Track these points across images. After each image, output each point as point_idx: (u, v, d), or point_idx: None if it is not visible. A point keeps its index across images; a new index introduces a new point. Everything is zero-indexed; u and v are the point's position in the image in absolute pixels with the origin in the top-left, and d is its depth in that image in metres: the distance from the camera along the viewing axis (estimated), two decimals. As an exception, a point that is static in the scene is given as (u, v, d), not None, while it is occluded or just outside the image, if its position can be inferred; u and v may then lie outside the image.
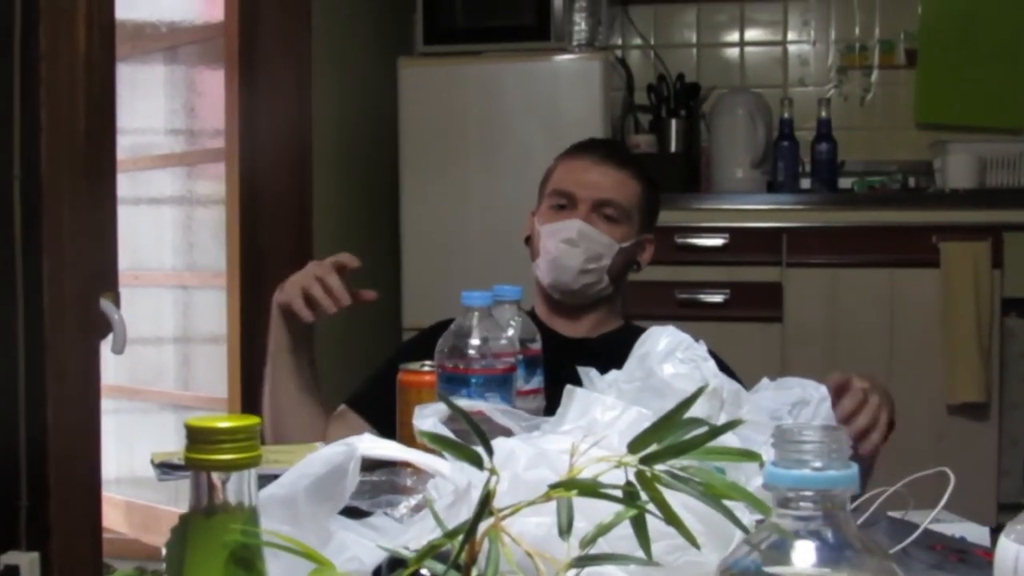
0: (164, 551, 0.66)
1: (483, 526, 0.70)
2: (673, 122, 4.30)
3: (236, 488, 0.66)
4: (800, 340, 3.78)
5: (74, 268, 2.24)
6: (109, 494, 3.37)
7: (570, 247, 2.16)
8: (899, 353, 3.74)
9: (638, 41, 4.58)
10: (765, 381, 1.45)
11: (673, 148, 4.28)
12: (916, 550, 1.23)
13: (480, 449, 0.70)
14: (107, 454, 2.56)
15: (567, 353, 1.55)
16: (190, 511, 0.66)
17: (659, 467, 0.73)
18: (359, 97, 4.03)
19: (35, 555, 2.22)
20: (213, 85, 3.80)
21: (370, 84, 4.09)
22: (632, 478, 0.73)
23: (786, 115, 4.21)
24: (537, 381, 1.66)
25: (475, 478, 0.97)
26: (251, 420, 0.67)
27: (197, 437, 0.66)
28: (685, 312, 3.73)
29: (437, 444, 0.66)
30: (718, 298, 3.82)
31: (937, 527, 1.46)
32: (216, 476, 0.66)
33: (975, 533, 1.49)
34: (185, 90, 4.08)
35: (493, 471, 0.67)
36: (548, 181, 2.27)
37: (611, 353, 1.48)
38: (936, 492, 1.35)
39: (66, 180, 2.23)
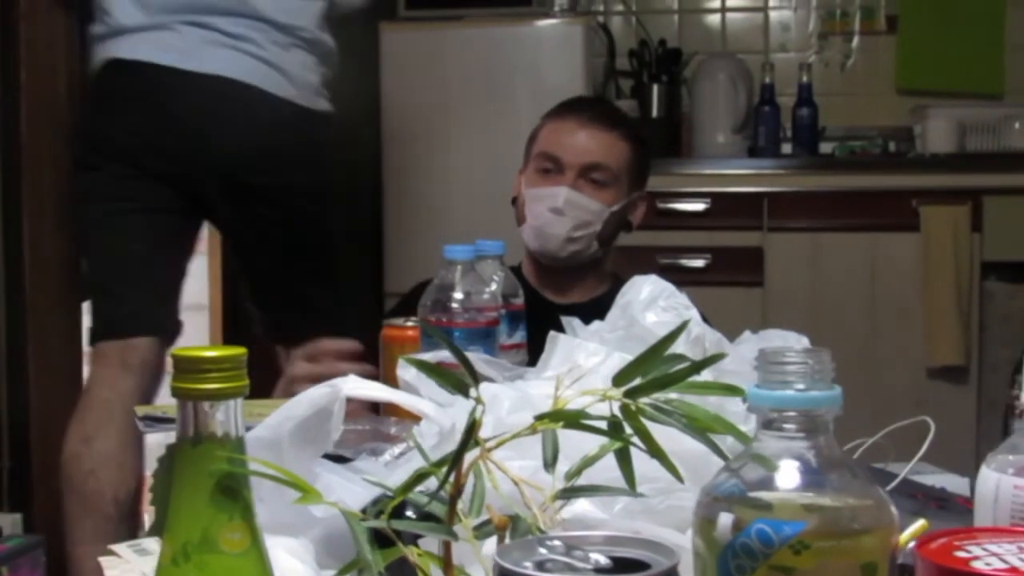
0: (150, 480, 0.67)
1: (469, 457, 0.70)
2: (655, 87, 4.29)
3: (223, 418, 0.66)
4: (781, 304, 3.79)
5: (56, 229, 2.23)
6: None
7: (556, 216, 2.11)
8: (880, 317, 3.75)
9: (620, 7, 4.56)
10: (747, 334, 1.45)
11: (655, 113, 4.27)
12: (896, 498, 1.23)
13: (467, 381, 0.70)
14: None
15: (556, 318, 1.54)
16: (177, 440, 0.66)
17: (643, 400, 0.74)
18: (341, 62, 4.01)
19: (18, 516, 2.22)
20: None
21: (352, 49, 4.06)
22: (616, 411, 0.74)
23: (767, 80, 4.21)
24: (520, 336, 1.66)
25: (459, 420, 0.97)
26: (237, 350, 0.67)
27: (183, 366, 0.66)
28: (666, 277, 3.58)
29: (424, 370, 0.66)
30: (699, 263, 3.83)
31: (918, 478, 1.47)
32: (202, 405, 0.66)
33: (955, 484, 1.51)
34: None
35: (479, 400, 0.67)
36: (535, 141, 2.21)
37: (602, 315, 1.47)
38: (916, 447, 1.36)
39: (46, 139, 2.22)
